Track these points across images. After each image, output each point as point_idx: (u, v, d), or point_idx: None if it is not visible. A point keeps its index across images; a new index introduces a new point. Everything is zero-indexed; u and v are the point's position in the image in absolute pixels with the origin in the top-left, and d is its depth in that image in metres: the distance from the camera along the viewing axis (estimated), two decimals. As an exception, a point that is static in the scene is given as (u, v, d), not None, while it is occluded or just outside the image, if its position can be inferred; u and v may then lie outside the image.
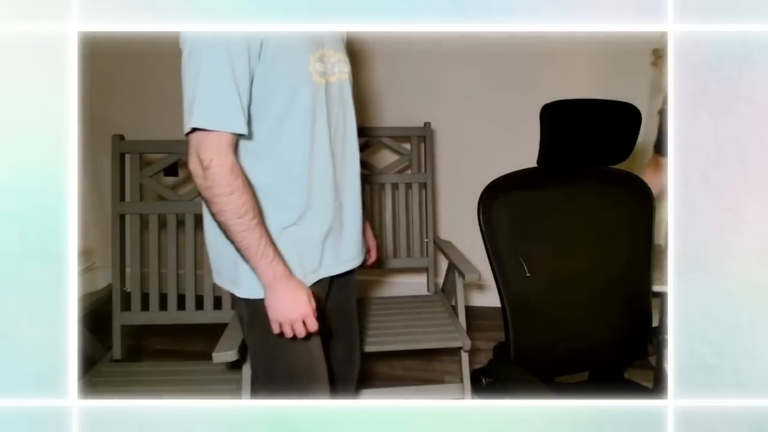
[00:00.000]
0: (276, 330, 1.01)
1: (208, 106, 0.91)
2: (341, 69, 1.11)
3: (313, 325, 1.01)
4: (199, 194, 0.97)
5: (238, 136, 0.97)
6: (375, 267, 2.04)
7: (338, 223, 1.14)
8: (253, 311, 1.08)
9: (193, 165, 0.94)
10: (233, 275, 1.08)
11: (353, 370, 1.38)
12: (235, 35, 0.90)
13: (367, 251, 1.37)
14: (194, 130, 0.93)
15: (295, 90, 1.00)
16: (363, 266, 1.31)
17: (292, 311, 0.99)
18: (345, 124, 1.12)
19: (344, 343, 1.34)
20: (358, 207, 1.20)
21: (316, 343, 1.13)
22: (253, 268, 0.99)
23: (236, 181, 0.94)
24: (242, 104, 0.94)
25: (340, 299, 1.27)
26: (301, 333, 1.01)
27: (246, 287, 1.07)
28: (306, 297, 1.01)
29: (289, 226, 1.07)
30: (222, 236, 1.03)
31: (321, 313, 1.10)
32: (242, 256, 0.99)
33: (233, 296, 1.12)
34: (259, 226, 0.97)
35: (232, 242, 0.98)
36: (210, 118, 0.92)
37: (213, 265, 1.13)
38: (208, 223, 1.08)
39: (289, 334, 1.01)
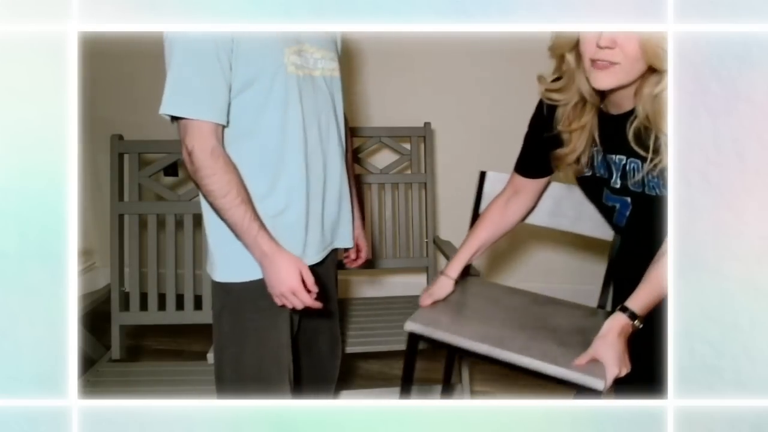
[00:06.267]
0: (279, 303, 1.06)
1: (183, 95, 0.98)
2: (326, 65, 1.14)
3: (305, 299, 1.05)
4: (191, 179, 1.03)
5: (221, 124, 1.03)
6: (374, 267, 2.05)
7: (317, 215, 1.15)
8: (225, 295, 1.12)
9: (183, 152, 1.01)
10: (211, 260, 1.12)
11: (336, 364, 1.39)
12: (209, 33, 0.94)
13: (358, 250, 1.37)
14: (178, 119, 0.99)
15: (270, 80, 1.03)
16: (353, 266, 1.32)
17: (282, 284, 1.03)
18: (329, 118, 1.15)
19: (327, 337, 1.34)
20: (344, 199, 1.22)
21: (286, 334, 1.14)
22: (245, 247, 1.04)
23: (216, 164, 1.00)
24: (216, 94, 0.99)
25: (322, 292, 1.28)
26: (298, 305, 1.05)
27: (219, 270, 1.11)
28: (294, 271, 1.03)
29: (271, 216, 1.08)
30: (213, 225, 1.09)
31: (321, 290, 1.10)
32: (237, 236, 1.04)
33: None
34: (244, 204, 1.02)
35: (224, 221, 1.03)
36: (183, 107, 0.98)
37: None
38: (206, 213, 1.12)
39: (288, 305, 1.06)
